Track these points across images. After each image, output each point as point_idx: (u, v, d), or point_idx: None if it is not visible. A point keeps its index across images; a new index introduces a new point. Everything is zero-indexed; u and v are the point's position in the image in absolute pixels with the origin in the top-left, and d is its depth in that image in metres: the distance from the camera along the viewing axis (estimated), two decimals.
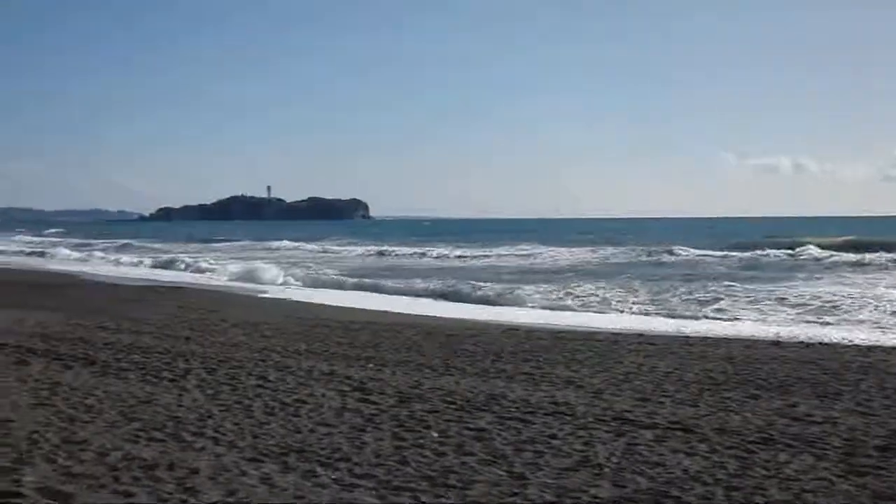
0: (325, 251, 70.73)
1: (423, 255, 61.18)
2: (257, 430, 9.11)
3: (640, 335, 18.67)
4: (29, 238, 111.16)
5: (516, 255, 58.06)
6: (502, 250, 61.03)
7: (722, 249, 51.95)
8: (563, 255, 55.33)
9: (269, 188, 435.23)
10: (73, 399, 10.47)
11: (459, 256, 58.60)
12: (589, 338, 18.11)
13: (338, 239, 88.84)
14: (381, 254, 64.32)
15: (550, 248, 60.52)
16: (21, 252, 74.26)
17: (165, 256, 58.06)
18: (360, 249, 69.85)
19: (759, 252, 47.69)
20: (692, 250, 51.99)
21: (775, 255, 46.24)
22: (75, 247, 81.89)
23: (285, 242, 79.20)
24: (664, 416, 10.17)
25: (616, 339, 17.80)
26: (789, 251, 46.95)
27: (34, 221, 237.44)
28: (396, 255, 63.43)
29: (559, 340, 17.51)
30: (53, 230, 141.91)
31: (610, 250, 56.67)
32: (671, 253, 51.19)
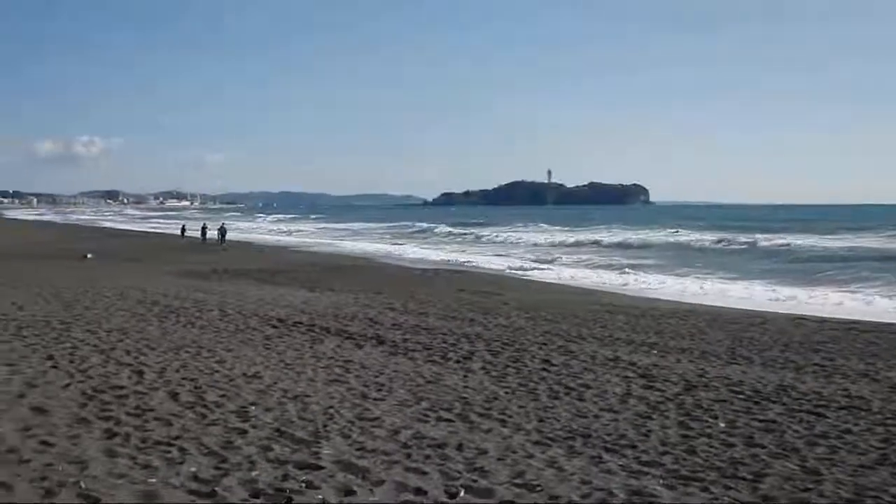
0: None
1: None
2: (542, 414, 9.03)
3: None
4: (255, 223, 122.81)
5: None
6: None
7: None
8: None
9: (549, 172, 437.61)
10: (365, 377, 10.88)
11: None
12: (883, 329, 16.83)
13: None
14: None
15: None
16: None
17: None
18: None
19: None
20: None
21: None
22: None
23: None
24: None
25: None
26: None
27: (315, 205, 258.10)
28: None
29: (851, 331, 16.40)
30: (293, 214, 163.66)
31: None
32: None
